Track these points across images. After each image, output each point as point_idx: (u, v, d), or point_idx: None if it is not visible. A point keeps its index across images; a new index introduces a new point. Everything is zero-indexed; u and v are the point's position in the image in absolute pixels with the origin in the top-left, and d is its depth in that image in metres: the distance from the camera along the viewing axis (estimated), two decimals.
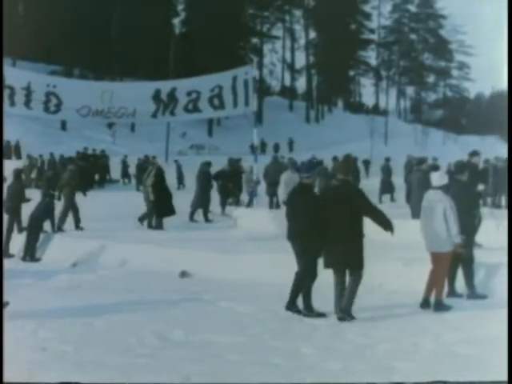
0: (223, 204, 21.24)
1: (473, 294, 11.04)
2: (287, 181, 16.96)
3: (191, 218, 19.86)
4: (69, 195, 17.85)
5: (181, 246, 14.83)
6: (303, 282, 9.99)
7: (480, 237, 13.65)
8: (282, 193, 16.97)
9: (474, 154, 15.15)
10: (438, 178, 10.58)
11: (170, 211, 18.18)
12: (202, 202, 20.14)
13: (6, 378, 7.51)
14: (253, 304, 10.67)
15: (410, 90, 70.01)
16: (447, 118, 67.58)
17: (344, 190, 9.99)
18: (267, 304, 10.56)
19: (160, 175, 18.49)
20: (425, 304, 10.36)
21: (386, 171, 25.50)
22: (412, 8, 69.98)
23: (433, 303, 10.33)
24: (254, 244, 15.08)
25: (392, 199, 24.86)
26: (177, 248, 14.48)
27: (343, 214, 9.78)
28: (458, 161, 11.94)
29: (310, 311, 10.01)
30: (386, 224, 9.95)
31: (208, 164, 20.78)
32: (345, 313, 9.77)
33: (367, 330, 9.30)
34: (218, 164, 22.21)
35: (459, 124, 67.99)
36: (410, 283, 11.01)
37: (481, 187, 14.91)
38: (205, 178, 20.52)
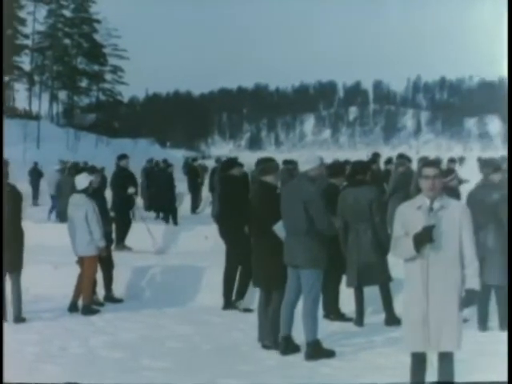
0: None
1: (108, 297, 11.19)
2: None
3: None
4: None
5: None
6: None
7: (130, 240, 14.07)
8: None
9: (122, 157, 15.54)
10: (81, 181, 10.66)
11: None
12: None
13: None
14: None
15: (63, 95, 69.29)
16: (100, 121, 68.02)
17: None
18: None
19: None
20: (73, 307, 10.45)
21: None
22: (67, 13, 69.18)
23: (81, 307, 10.42)
24: None
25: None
26: None
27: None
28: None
29: None
30: None
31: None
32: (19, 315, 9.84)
33: (14, 334, 9.19)
34: None
35: (112, 127, 68.69)
36: (59, 287, 11.00)
37: (131, 191, 15.25)
38: None
